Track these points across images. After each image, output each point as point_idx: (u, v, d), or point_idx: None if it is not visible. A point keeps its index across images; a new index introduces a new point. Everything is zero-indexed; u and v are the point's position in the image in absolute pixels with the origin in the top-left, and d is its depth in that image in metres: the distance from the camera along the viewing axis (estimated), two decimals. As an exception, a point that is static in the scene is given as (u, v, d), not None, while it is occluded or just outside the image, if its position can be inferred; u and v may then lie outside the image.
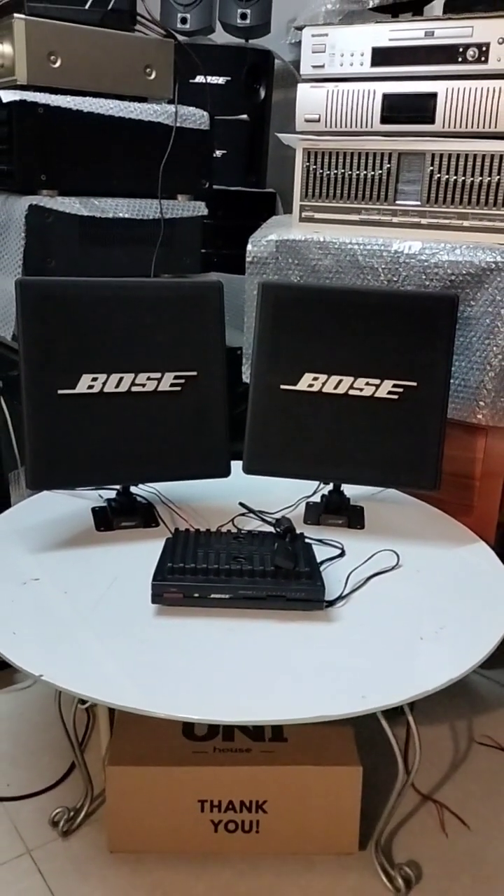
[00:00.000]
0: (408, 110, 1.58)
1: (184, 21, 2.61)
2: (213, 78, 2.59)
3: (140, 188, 1.77)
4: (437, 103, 1.55)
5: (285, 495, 1.65)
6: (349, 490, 1.60)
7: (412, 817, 1.44)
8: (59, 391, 1.40)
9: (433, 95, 1.55)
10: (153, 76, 1.77)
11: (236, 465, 1.55)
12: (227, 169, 2.63)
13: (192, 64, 2.33)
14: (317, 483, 1.68)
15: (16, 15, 1.56)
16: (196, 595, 1.24)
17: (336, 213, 1.70)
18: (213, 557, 1.29)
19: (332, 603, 1.28)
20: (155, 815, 1.31)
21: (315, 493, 1.66)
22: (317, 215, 1.73)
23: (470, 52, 1.49)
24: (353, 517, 1.57)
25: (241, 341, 1.87)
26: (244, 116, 2.67)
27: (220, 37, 2.69)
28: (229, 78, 2.61)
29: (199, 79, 2.49)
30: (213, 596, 1.24)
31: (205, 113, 1.82)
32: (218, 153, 2.60)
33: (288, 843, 1.34)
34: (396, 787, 1.26)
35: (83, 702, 1.50)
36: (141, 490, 1.62)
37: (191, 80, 2.44)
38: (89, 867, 1.31)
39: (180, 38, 1.88)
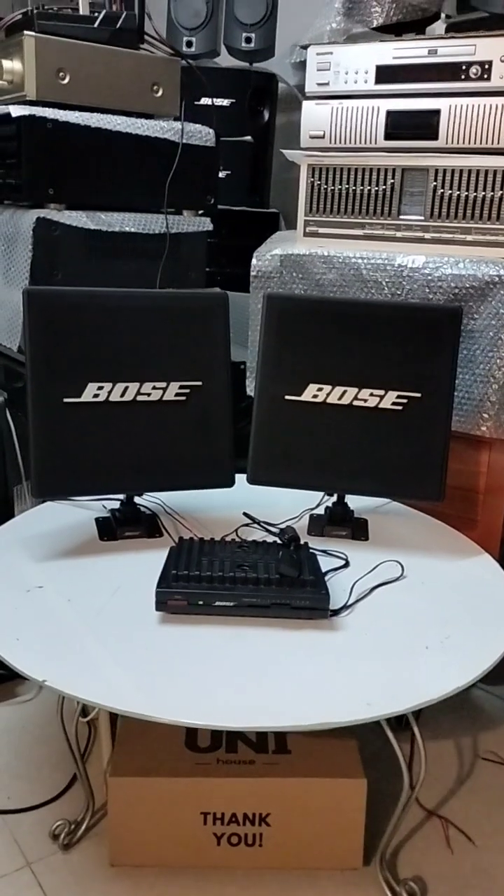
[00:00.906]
0: (411, 127, 1.60)
1: (189, 44, 2.65)
2: (218, 100, 2.63)
3: (146, 203, 1.79)
4: (440, 120, 1.57)
5: (289, 507, 1.65)
6: (353, 502, 1.60)
7: (417, 833, 1.43)
8: (65, 399, 1.40)
9: (436, 112, 1.57)
10: (160, 93, 1.80)
11: (240, 478, 1.55)
12: (231, 189, 2.66)
13: (198, 86, 2.37)
14: (320, 495, 1.68)
15: (26, 32, 1.59)
16: (200, 602, 1.23)
17: (340, 228, 1.72)
18: (217, 565, 1.28)
19: (336, 612, 1.27)
20: (157, 827, 1.29)
21: (319, 505, 1.66)
22: (321, 230, 1.74)
23: (473, 70, 1.52)
24: (356, 529, 1.56)
25: (245, 357, 1.88)
26: (248, 138, 2.71)
27: (225, 60, 2.74)
28: (234, 100, 2.65)
29: (205, 101, 2.53)
30: (217, 603, 1.23)
31: (210, 130, 1.85)
32: (222, 174, 2.63)
33: (291, 857, 1.32)
34: (402, 800, 1.25)
35: (85, 714, 1.50)
36: (145, 500, 1.62)
37: (196, 103, 2.48)
38: (90, 881, 1.30)
39: (185, 62, 1.91)
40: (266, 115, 2.75)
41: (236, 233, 2.58)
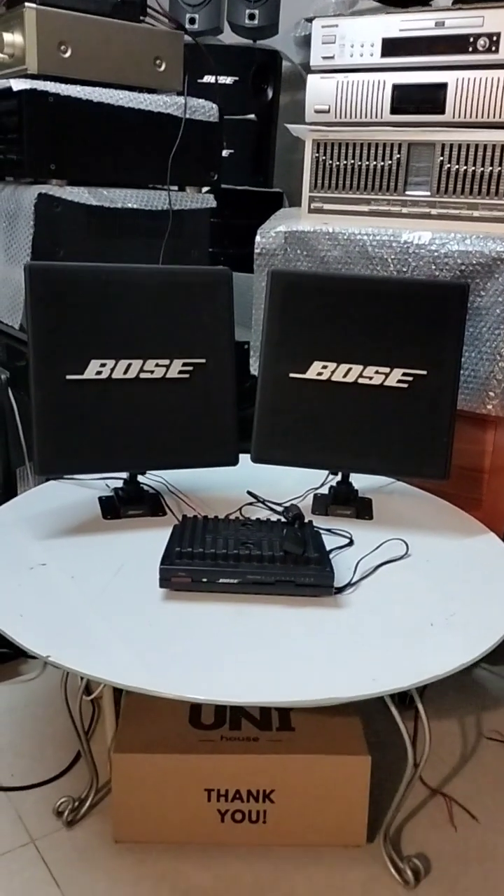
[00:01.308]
0: (418, 100, 1.58)
1: (192, 21, 2.62)
2: (221, 78, 2.60)
3: (149, 179, 1.77)
4: (447, 93, 1.55)
5: (293, 487, 1.64)
6: (357, 482, 1.59)
7: (420, 810, 1.43)
8: (68, 377, 1.39)
9: (443, 86, 1.55)
10: (163, 68, 1.78)
11: (244, 457, 1.54)
12: (234, 168, 2.63)
13: (201, 63, 2.34)
14: (324, 475, 1.67)
15: (27, 4, 1.57)
16: (204, 580, 1.22)
17: (345, 204, 1.70)
18: (221, 543, 1.27)
19: (340, 590, 1.27)
20: (161, 804, 1.30)
21: (323, 484, 1.65)
22: (326, 206, 1.72)
23: (481, 42, 1.49)
24: (361, 508, 1.55)
25: (249, 338, 1.86)
26: (252, 116, 2.68)
27: (228, 37, 2.70)
28: (237, 78, 2.62)
29: (208, 78, 2.50)
30: (221, 580, 1.23)
31: (214, 105, 1.83)
32: (225, 153, 2.60)
33: (295, 834, 1.32)
34: (406, 777, 1.25)
35: (89, 692, 1.49)
36: (148, 479, 1.62)
37: (199, 80, 2.45)
38: (94, 857, 1.30)
39: (188, 39, 1.89)
40: (270, 93, 2.72)
41: (239, 212, 2.55)
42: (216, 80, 2.56)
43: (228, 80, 2.63)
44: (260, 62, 2.62)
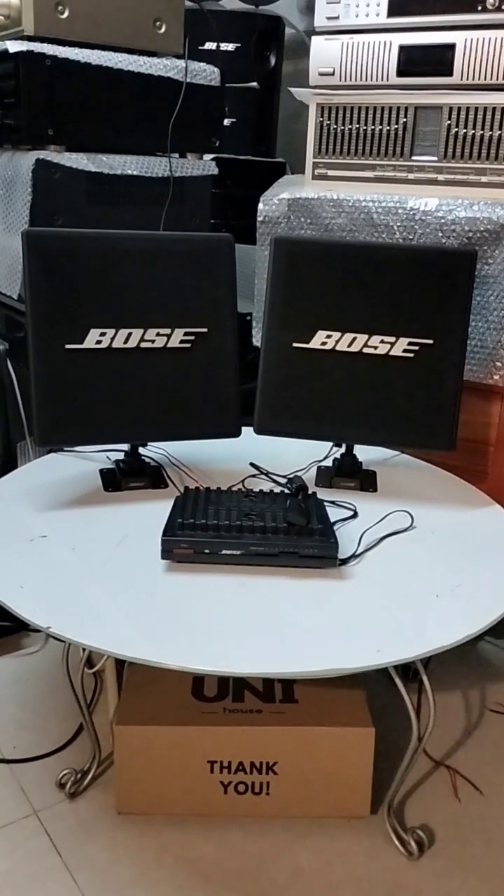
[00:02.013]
0: (425, 62, 1.54)
1: (193, -16, 2.56)
2: (224, 45, 2.54)
3: (149, 145, 1.74)
4: (455, 54, 1.51)
5: (296, 459, 1.62)
6: (361, 455, 1.57)
7: (424, 782, 1.42)
8: (67, 346, 1.37)
9: (451, 47, 1.51)
10: (163, 30, 1.73)
11: (247, 430, 1.51)
12: (236, 138, 2.59)
13: (202, 29, 2.29)
14: (328, 447, 1.65)
15: (23, -38, 1.52)
16: (207, 551, 1.21)
17: (350, 171, 1.66)
18: (224, 514, 1.26)
19: (345, 561, 1.25)
20: (163, 776, 1.29)
21: (327, 457, 1.63)
22: (330, 172, 1.69)
23: (490, 1, 1.45)
24: (365, 480, 1.53)
25: (251, 310, 1.83)
26: (254, 84, 2.62)
27: (230, 3, 2.64)
28: (239, 45, 2.56)
29: (209, 45, 2.45)
30: (224, 552, 1.21)
31: (215, 69, 1.78)
32: (227, 122, 2.55)
33: (298, 806, 1.31)
34: (410, 748, 1.24)
35: (91, 665, 1.49)
36: (149, 451, 1.60)
37: (200, 47, 2.40)
38: (97, 828, 1.30)
39: (188, 4, 1.84)
40: (272, 61, 2.66)
41: (241, 183, 2.51)
42: (218, 46, 2.51)
43: (230, 46, 2.57)
44: (262, 28, 2.56)
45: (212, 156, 1.87)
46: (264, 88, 2.62)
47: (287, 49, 2.74)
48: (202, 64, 1.77)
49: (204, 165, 1.81)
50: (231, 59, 2.54)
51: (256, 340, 1.79)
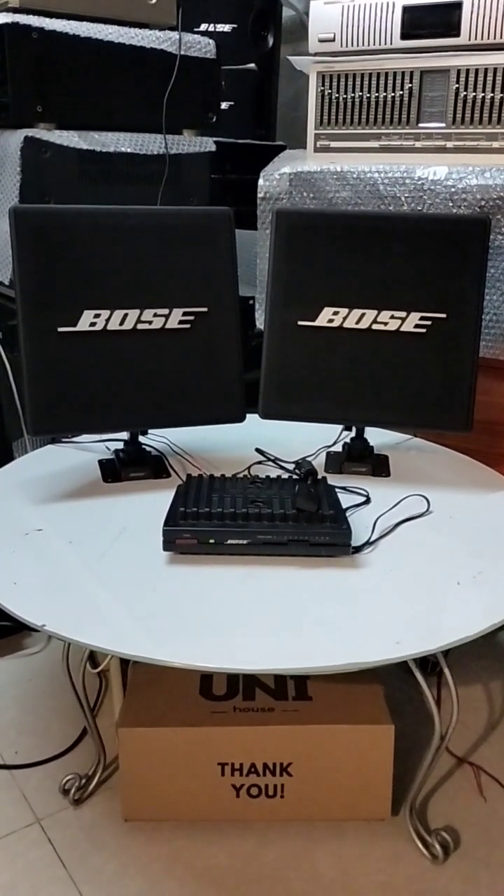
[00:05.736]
0: (430, 23, 1.46)
1: (186, -42, 2.48)
2: (220, 26, 2.47)
3: (143, 121, 1.66)
4: (462, 13, 1.42)
5: (304, 445, 1.55)
6: (372, 439, 1.50)
7: (447, 781, 1.35)
8: (59, 329, 1.30)
9: (458, 5, 1.43)
10: (154, 0, 1.66)
11: (252, 416, 1.44)
12: (234, 121, 2.51)
13: (196, 9, 2.22)
14: (337, 432, 1.58)
15: None
16: (211, 541, 1.14)
17: (354, 141, 1.59)
18: (228, 502, 1.19)
19: (358, 549, 1.18)
20: (171, 780, 1.22)
21: (336, 442, 1.56)
22: (333, 144, 1.61)
23: (498, -46, 1.37)
24: (377, 465, 1.46)
25: (254, 294, 1.76)
26: (252, 66, 2.55)
27: (225, -20, 2.57)
28: (235, 25, 2.49)
29: (204, 26, 2.37)
30: (229, 541, 1.14)
31: (210, 41, 1.71)
32: (225, 105, 2.48)
33: (315, 808, 1.24)
34: (432, 746, 1.17)
35: (94, 665, 1.42)
36: (150, 440, 1.53)
37: (196, 29, 2.32)
38: (103, 836, 1.23)
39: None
40: (270, 41, 2.58)
41: (240, 167, 2.44)
42: (213, 27, 2.43)
43: (226, 27, 2.49)
44: (259, 7, 2.49)
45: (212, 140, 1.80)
46: (262, 70, 2.54)
47: (285, 32, 2.66)
48: (196, 36, 1.70)
49: (201, 142, 1.74)
50: (227, 40, 2.46)
51: (260, 323, 1.72)
